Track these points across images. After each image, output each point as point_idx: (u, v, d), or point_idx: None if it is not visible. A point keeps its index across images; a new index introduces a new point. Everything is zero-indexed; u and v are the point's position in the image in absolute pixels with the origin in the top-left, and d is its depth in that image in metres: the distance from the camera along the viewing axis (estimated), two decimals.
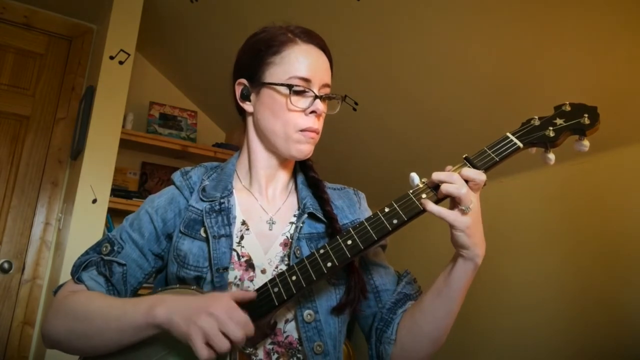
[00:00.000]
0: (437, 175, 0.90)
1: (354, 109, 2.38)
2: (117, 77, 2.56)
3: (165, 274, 1.10)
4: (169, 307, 0.87)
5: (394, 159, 2.50)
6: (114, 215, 2.74)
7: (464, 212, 0.88)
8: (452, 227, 0.89)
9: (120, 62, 2.57)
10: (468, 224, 0.88)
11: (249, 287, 0.99)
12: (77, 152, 2.64)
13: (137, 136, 2.91)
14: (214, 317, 0.81)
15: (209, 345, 0.80)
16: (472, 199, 0.88)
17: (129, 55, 2.58)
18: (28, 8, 2.91)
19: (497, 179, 2.14)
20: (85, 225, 2.39)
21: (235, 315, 0.83)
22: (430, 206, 0.89)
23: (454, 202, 0.90)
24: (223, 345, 0.80)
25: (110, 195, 2.51)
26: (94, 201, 2.42)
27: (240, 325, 0.82)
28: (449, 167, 0.93)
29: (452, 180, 0.88)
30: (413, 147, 2.36)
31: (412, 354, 1.02)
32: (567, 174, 1.87)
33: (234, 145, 3.21)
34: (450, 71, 1.96)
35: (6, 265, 2.72)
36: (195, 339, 0.80)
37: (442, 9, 1.78)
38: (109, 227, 2.63)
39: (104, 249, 1.07)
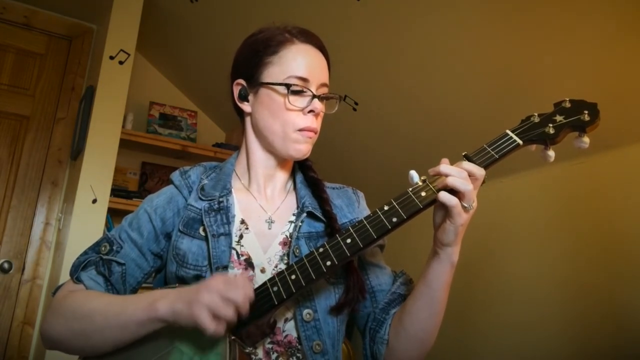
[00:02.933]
0: (445, 169, 0.90)
1: (354, 109, 2.38)
2: (117, 77, 2.56)
3: (165, 274, 1.10)
4: (170, 299, 0.87)
5: (394, 157, 2.50)
6: (114, 215, 2.74)
7: (465, 210, 0.88)
8: (450, 218, 0.89)
9: (120, 62, 2.57)
10: (465, 220, 0.89)
11: None
12: (77, 152, 2.64)
13: (137, 136, 2.91)
14: (213, 290, 0.83)
15: (215, 319, 0.81)
16: (474, 199, 0.88)
17: (129, 55, 2.58)
18: (28, 8, 2.91)
19: (497, 179, 2.13)
20: (85, 225, 2.39)
21: (232, 282, 0.84)
22: (441, 195, 0.88)
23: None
24: (228, 312, 0.82)
25: (110, 195, 2.51)
26: (94, 201, 2.42)
27: (239, 288, 0.83)
28: (445, 160, 0.93)
29: (460, 175, 0.88)
30: (413, 145, 2.36)
31: (402, 354, 1.02)
32: (567, 173, 1.87)
33: (234, 145, 3.21)
34: (451, 70, 1.96)
35: (6, 265, 2.71)
36: (199, 315, 0.81)
37: (443, 8, 1.78)
38: (109, 227, 2.63)
39: (103, 248, 1.07)
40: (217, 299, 0.82)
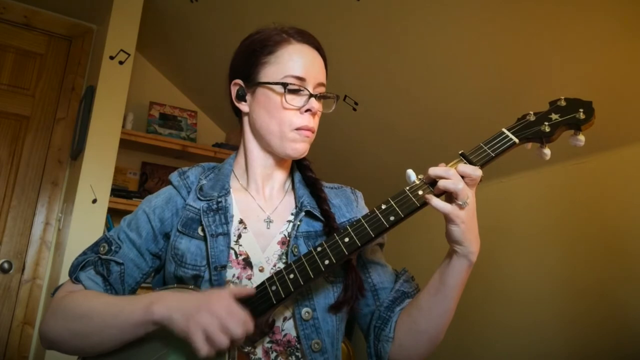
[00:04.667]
0: (434, 171, 0.91)
1: (354, 109, 2.38)
2: (117, 77, 2.56)
3: (163, 274, 1.10)
4: (167, 304, 0.87)
5: (394, 157, 2.50)
6: (114, 215, 2.74)
7: (460, 207, 0.88)
8: (449, 220, 0.89)
9: (120, 62, 2.57)
10: (464, 218, 0.89)
11: (247, 285, 0.99)
12: (77, 152, 2.65)
13: (137, 136, 2.91)
14: (214, 315, 0.82)
15: (208, 342, 0.81)
16: (468, 194, 0.88)
17: (129, 55, 2.59)
18: (28, 8, 2.91)
19: (497, 179, 2.14)
20: (85, 225, 2.40)
21: (235, 313, 0.84)
22: (434, 201, 0.89)
23: (450, 198, 0.90)
24: (223, 342, 0.81)
25: (110, 195, 2.51)
26: (94, 201, 2.42)
27: (240, 322, 0.83)
28: (443, 165, 0.93)
29: (449, 176, 0.89)
30: (413, 145, 2.36)
31: (410, 351, 1.02)
32: (567, 173, 1.87)
33: (234, 145, 3.21)
34: (450, 70, 1.96)
35: (6, 265, 2.72)
36: (195, 336, 0.81)
37: (442, 8, 1.78)
38: (109, 227, 2.63)
39: (102, 248, 1.08)
40: (216, 326, 0.82)
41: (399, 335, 1.02)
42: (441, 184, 0.89)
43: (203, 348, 0.81)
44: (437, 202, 0.89)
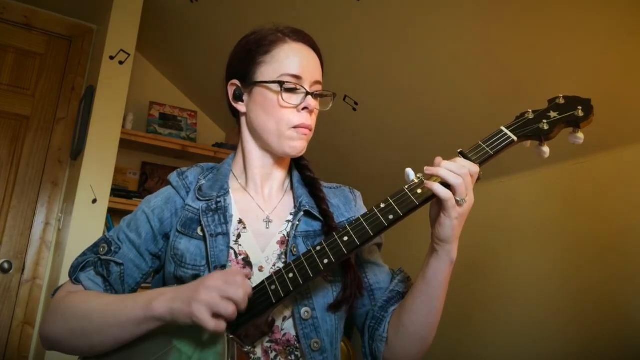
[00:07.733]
0: (441, 163, 0.91)
1: (354, 109, 2.38)
2: (117, 77, 2.56)
3: (163, 274, 1.10)
4: (167, 298, 0.88)
5: (394, 157, 2.50)
6: (114, 215, 2.74)
7: (458, 203, 0.88)
8: (445, 210, 0.89)
9: (120, 62, 2.57)
10: (460, 213, 0.89)
11: None
12: (77, 152, 2.65)
13: (137, 136, 2.91)
14: (212, 288, 0.83)
15: (214, 314, 0.82)
16: (467, 193, 0.89)
17: (129, 55, 2.59)
18: (28, 8, 2.91)
19: (498, 179, 2.14)
20: (85, 225, 2.40)
21: (231, 279, 0.85)
22: (435, 186, 0.89)
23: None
24: (228, 309, 0.82)
25: (110, 195, 2.51)
26: (94, 201, 2.42)
27: (238, 286, 0.84)
28: (439, 159, 0.93)
29: (451, 169, 0.89)
30: (413, 145, 2.36)
31: (401, 352, 1.02)
32: (567, 173, 1.87)
33: (233, 145, 3.21)
34: (451, 70, 1.96)
35: (6, 265, 2.72)
36: (199, 313, 0.82)
37: (442, 8, 1.78)
38: (109, 227, 2.63)
39: (102, 249, 1.08)
40: (216, 297, 0.82)
41: (391, 335, 1.03)
42: (441, 172, 0.89)
43: (210, 322, 0.81)
44: (438, 188, 0.88)
